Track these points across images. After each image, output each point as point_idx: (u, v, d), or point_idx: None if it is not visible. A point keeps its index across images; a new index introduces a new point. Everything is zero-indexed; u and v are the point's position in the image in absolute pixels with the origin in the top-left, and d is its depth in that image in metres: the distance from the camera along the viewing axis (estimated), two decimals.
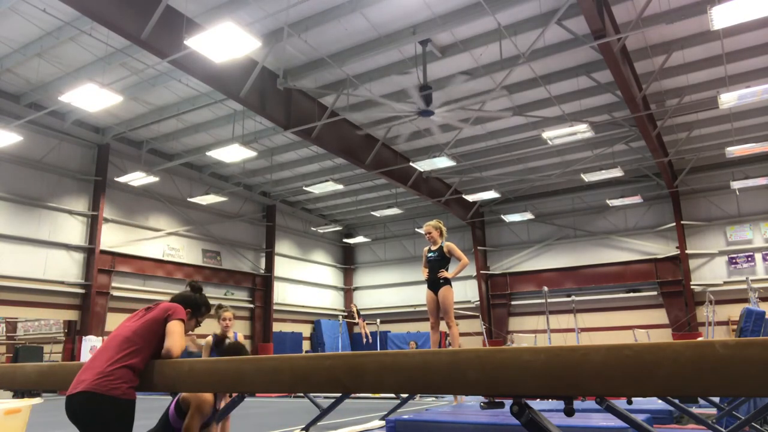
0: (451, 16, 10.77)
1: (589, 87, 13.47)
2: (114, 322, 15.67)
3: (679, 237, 18.98)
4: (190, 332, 3.12)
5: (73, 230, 16.08)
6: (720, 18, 8.30)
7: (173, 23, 9.97)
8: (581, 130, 12.83)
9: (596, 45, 10.07)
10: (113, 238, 16.84)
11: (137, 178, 15.62)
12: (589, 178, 16.47)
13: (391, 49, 11.60)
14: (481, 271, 22.24)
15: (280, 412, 10.37)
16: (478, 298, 22.18)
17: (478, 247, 22.46)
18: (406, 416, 6.53)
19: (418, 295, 22.14)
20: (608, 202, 18.75)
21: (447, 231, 6.62)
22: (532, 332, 20.04)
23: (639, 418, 2.51)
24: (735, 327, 7.56)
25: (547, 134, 13.15)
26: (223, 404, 5.46)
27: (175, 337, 2.79)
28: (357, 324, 22.44)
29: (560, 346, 1.90)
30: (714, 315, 15.10)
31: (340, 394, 3.85)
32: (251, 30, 9.20)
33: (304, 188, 18.44)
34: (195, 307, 3.07)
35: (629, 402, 5.90)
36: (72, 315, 15.97)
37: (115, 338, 2.77)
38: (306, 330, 23.46)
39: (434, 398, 12.39)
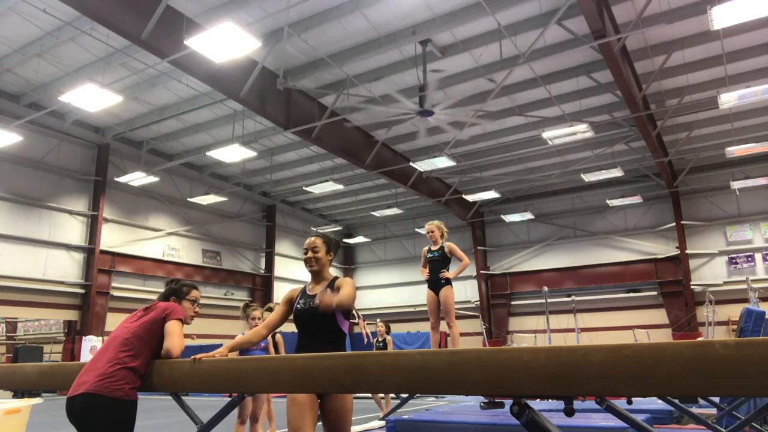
0: (451, 16, 10.77)
1: (589, 87, 13.47)
2: (114, 322, 15.68)
3: (679, 237, 18.98)
4: (193, 314, 3.08)
5: (73, 230, 16.09)
6: (720, 18, 8.30)
7: (173, 23, 9.97)
8: (581, 130, 12.82)
9: (596, 45, 10.07)
10: (113, 238, 16.85)
11: (137, 178, 15.63)
12: (589, 178, 16.47)
13: (391, 49, 11.60)
14: (481, 271, 22.24)
15: (281, 413, 10.36)
16: (478, 298, 22.18)
17: (478, 247, 22.45)
18: (406, 416, 6.53)
19: (418, 295, 22.15)
20: (608, 202, 18.75)
21: (447, 231, 6.61)
22: (532, 332, 20.04)
23: (639, 418, 2.51)
24: (735, 327, 7.56)
25: (547, 134, 13.14)
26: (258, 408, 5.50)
27: (174, 337, 2.79)
28: (357, 324, 22.43)
29: (560, 346, 1.90)
30: (714, 315, 15.10)
31: None
32: (251, 30, 9.19)
33: (304, 188, 18.45)
34: (177, 293, 3.07)
35: (629, 402, 5.89)
36: (72, 315, 15.97)
37: (115, 339, 2.77)
38: None
39: (434, 398, 12.39)
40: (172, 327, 2.82)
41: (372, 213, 21.47)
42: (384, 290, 24.99)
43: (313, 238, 3.10)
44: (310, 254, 3.05)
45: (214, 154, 14.25)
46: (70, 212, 16.07)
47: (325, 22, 10.96)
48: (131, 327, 2.80)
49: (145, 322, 2.83)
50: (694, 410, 5.66)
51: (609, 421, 5.25)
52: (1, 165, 14.59)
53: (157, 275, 18.01)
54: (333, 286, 2.99)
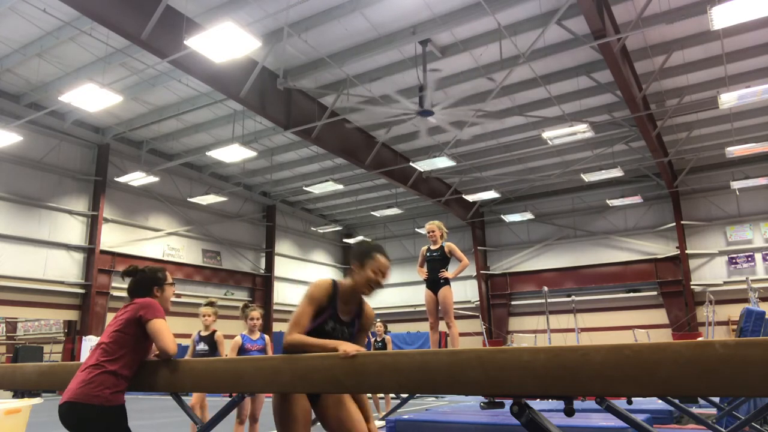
0: (451, 16, 10.76)
1: (589, 87, 13.47)
2: None
3: (679, 237, 18.98)
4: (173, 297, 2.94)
5: (73, 230, 16.09)
6: (720, 18, 8.30)
7: (173, 23, 9.97)
8: (581, 130, 12.82)
9: (596, 45, 10.07)
10: (113, 238, 16.85)
11: (137, 178, 15.63)
12: (589, 178, 16.47)
13: (391, 49, 11.60)
14: (481, 271, 22.24)
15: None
16: (478, 298, 22.17)
17: (478, 247, 22.45)
18: (406, 416, 6.53)
19: (418, 295, 22.03)
20: (608, 202, 18.76)
21: (447, 232, 6.62)
22: (532, 332, 20.03)
23: (639, 418, 2.51)
24: (735, 327, 7.56)
25: (547, 134, 13.14)
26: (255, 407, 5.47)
27: (164, 337, 2.71)
28: None
29: (560, 346, 1.90)
30: (714, 315, 15.09)
31: None
32: (251, 30, 9.18)
33: (304, 188, 18.44)
34: (158, 282, 2.92)
35: (629, 402, 5.90)
36: (72, 315, 15.98)
37: (98, 345, 2.73)
38: None
39: (434, 398, 12.39)
40: (158, 327, 2.71)
41: (372, 213, 21.47)
42: (384, 290, 24.83)
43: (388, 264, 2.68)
44: (382, 280, 2.64)
45: (214, 154, 14.25)
46: (70, 212, 16.06)
47: (325, 22, 10.96)
48: (109, 330, 2.74)
49: (121, 323, 2.74)
50: (694, 410, 5.66)
51: (609, 421, 5.24)
52: (1, 165, 14.59)
53: None
54: (362, 311, 2.75)
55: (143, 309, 2.74)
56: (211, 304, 5.72)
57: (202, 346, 5.58)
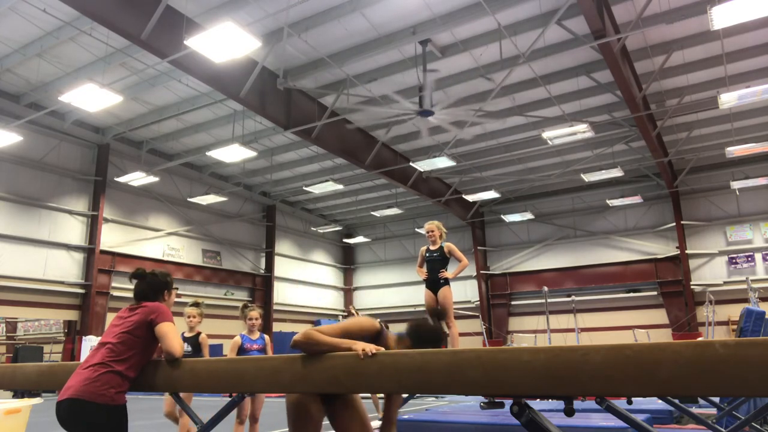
0: (451, 16, 10.76)
1: (589, 87, 13.47)
2: None
3: (679, 237, 18.97)
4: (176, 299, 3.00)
5: (73, 230, 16.08)
6: (720, 18, 8.30)
7: (173, 23, 9.96)
8: (581, 130, 12.82)
9: (596, 45, 10.07)
10: (113, 238, 16.84)
11: (137, 178, 15.63)
12: (589, 178, 16.47)
13: (391, 49, 11.60)
14: (481, 271, 22.23)
15: (281, 412, 10.33)
16: (478, 298, 22.17)
17: (478, 247, 22.45)
18: (406, 416, 6.53)
19: (418, 295, 21.97)
20: (608, 202, 18.76)
21: (447, 232, 6.62)
22: (532, 332, 20.03)
23: (639, 418, 2.51)
24: (735, 327, 7.56)
25: (547, 134, 13.14)
26: (255, 407, 5.46)
27: (171, 339, 2.74)
28: None
29: (560, 346, 1.91)
30: (714, 315, 15.10)
31: None
32: (251, 30, 9.18)
33: (304, 188, 18.44)
34: (168, 286, 2.99)
35: (629, 402, 5.89)
36: (72, 315, 15.97)
37: (103, 344, 2.74)
38: None
39: (434, 398, 12.39)
40: (166, 329, 2.74)
41: (372, 213, 21.47)
42: (384, 290, 24.98)
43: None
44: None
45: (214, 154, 14.24)
46: (70, 212, 16.06)
47: (325, 22, 10.96)
48: (116, 331, 2.75)
49: (130, 324, 2.75)
50: (694, 410, 5.65)
51: (609, 421, 5.25)
52: (1, 165, 14.58)
53: None
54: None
55: (154, 313, 2.78)
56: (196, 304, 5.57)
57: (185, 347, 5.40)
